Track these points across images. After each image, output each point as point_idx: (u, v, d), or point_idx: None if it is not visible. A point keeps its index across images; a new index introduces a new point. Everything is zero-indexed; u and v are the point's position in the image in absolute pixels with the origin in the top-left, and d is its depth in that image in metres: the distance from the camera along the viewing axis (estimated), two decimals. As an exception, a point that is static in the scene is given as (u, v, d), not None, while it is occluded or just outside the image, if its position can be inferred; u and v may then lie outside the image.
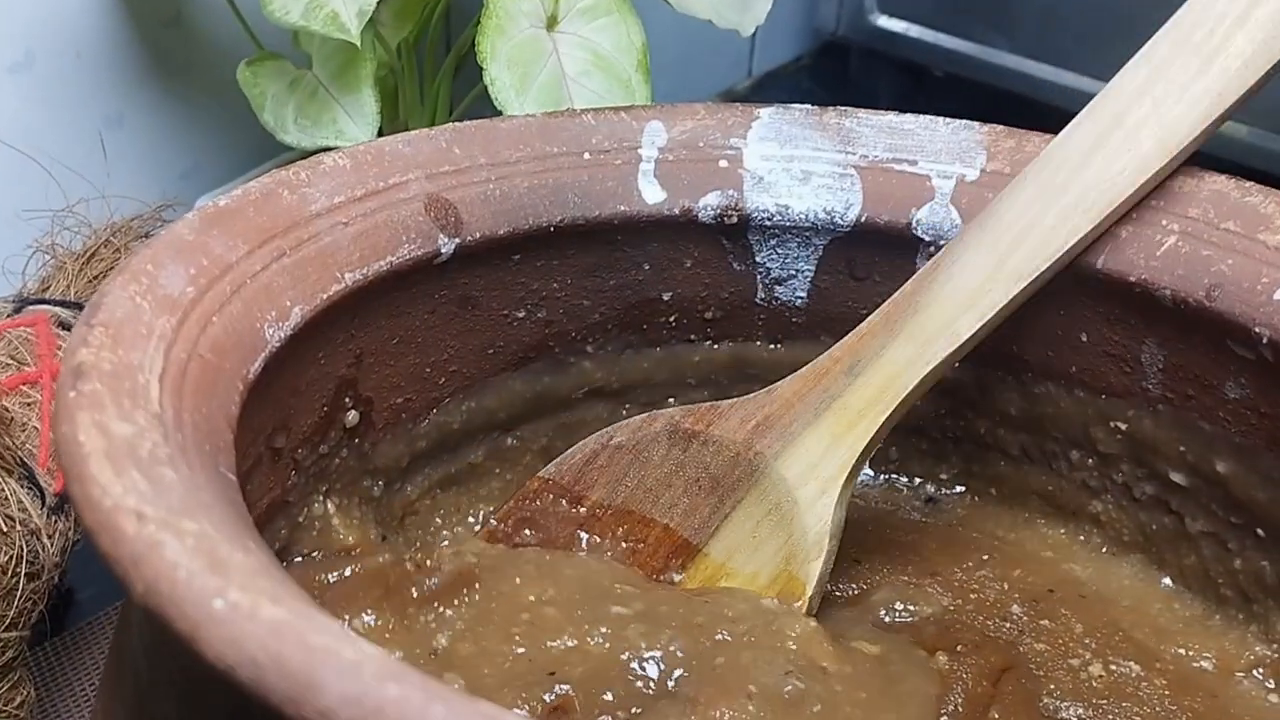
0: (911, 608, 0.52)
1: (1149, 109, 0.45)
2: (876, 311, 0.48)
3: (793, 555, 0.48)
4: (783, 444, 0.48)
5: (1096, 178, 0.46)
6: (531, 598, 0.45)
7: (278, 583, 0.28)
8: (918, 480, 0.58)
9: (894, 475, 0.58)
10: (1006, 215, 0.46)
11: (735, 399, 0.50)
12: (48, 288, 0.62)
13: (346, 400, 0.48)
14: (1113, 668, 0.49)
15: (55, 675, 0.59)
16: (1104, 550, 0.54)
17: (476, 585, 0.45)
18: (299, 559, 0.47)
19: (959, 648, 0.49)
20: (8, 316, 0.59)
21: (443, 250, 0.48)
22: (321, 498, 0.48)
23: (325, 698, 0.25)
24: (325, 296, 0.44)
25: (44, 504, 0.53)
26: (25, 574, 0.51)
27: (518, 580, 0.46)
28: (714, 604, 0.46)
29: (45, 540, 0.53)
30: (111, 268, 0.62)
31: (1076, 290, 0.48)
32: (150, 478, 0.30)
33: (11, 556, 0.50)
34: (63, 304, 0.60)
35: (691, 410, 0.50)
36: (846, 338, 0.48)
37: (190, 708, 0.32)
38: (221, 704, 0.30)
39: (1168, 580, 0.52)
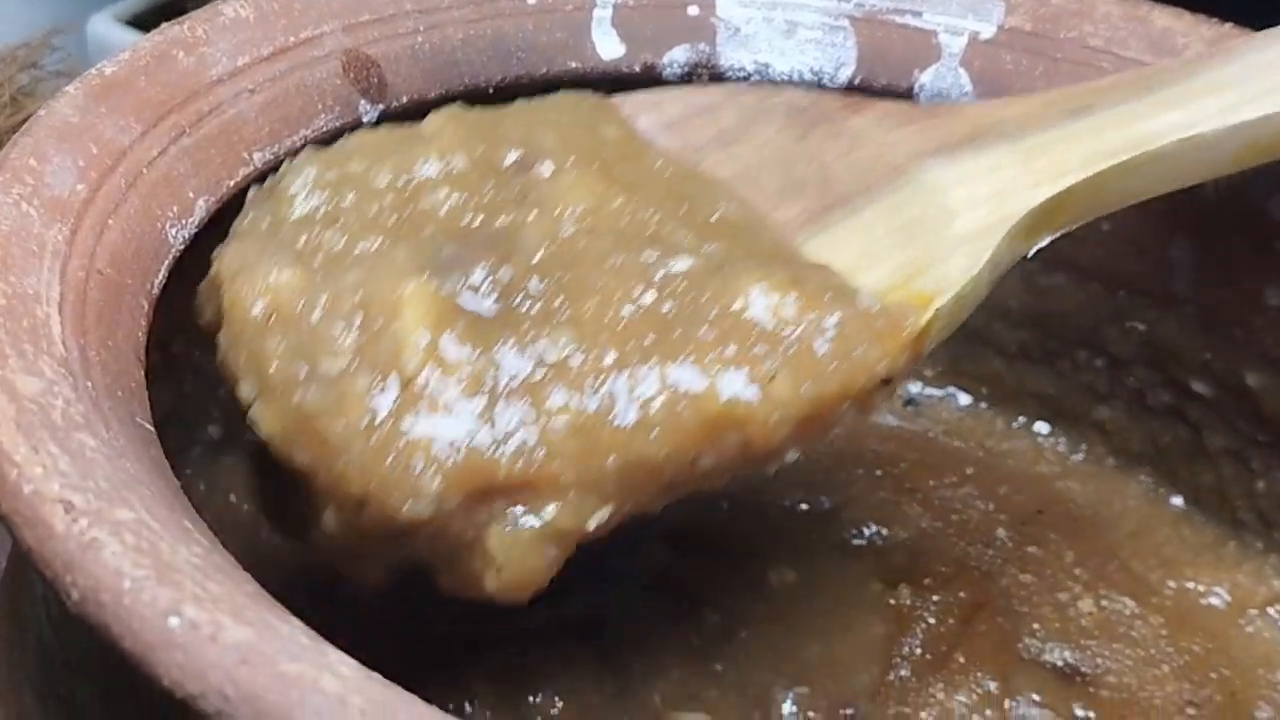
0: (884, 531, 0.54)
1: None
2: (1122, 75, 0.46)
3: (919, 271, 0.43)
4: (951, 158, 0.44)
5: None
6: None
7: (233, 585, 0.29)
8: (895, 379, 0.59)
9: (869, 373, 0.59)
10: None
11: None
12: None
13: (249, 294, 0.48)
14: (1104, 604, 0.52)
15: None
16: (1108, 464, 0.56)
17: None
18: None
19: (926, 580, 0.51)
20: None
21: (365, 119, 0.47)
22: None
23: (308, 742, 0.25)
24: (232, 183, 0.44)
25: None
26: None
27: None
28: None
29: None
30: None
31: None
32: (70, 450, 0.31)
33: None
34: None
35: (824, 94, 0.47)
36: (1062, 89, 0.46)
37: (117, 704, 0.32)
38: (159, 704, 0.31)
39: (1178, 501, 0.54)
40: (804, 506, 0.56)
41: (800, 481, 0.56)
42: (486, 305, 0.38)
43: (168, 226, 0.41)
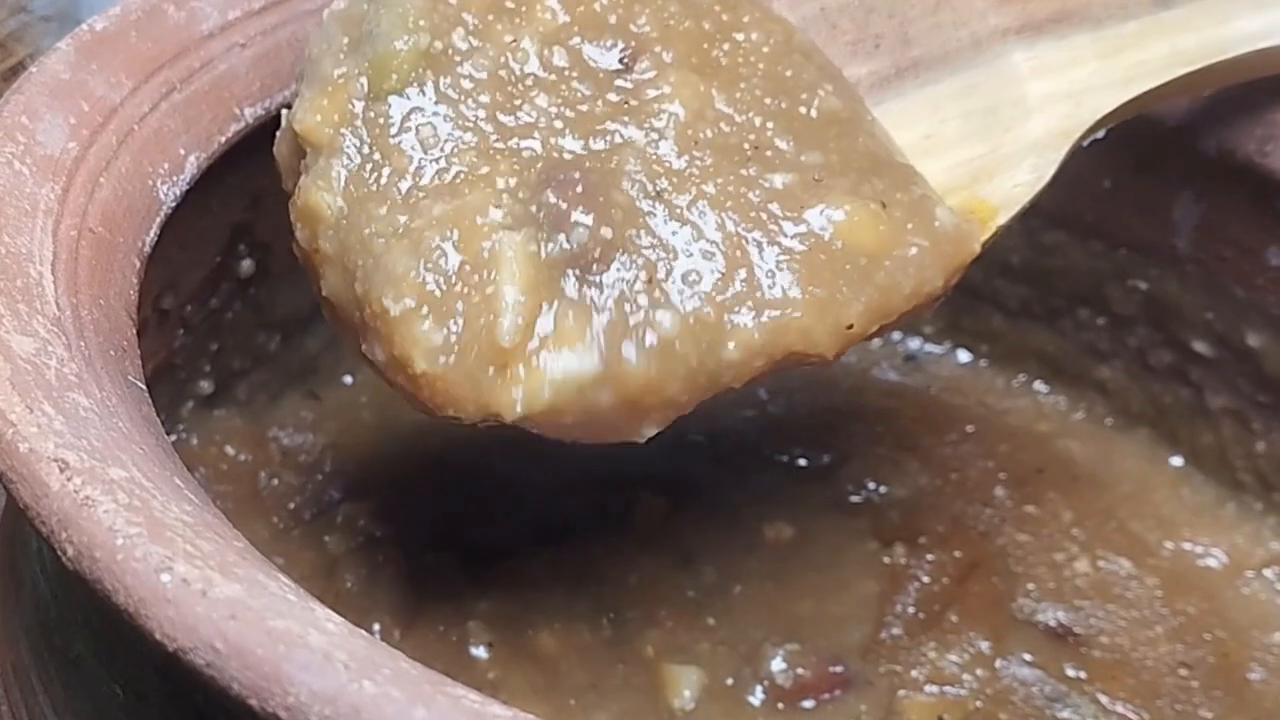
0: (882, 488, 0.56)
1: None
2: None
3: (985, 173, 0.44)
4: (1033, 42, 0.45)
5: None
6: None
7: (223, 542, 0.31)
8: (896, 335, 0.61)
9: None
10: None
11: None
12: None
13: (241, 248, 0.51)
14: (1101, 564, 0.54)
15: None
16: (1107, 423, 0.58)
17: None
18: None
19: (922, 539, 0.54)
20: None
21: (356, 73, 0.49)
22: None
23: (294, 694, 0.28)
24: (223, 140, 0.46)
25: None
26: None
27: None
28: None
29: None
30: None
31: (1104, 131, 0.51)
32: (64, 410, 0.33)
33: None
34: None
35: None
36: None
37: (112, 655, 0.35)
38: (151, 656, 0.33)
39: (1178, 460, 0.57)
40: (803, 462, 0.58)
41: (800, 437, 0.58)
42: (586, 264, 0.40)
43: (159, 184, 0.43)
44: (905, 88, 0.45)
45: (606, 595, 0.52)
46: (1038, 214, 0.53)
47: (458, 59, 0.41)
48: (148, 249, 0.42)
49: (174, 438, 0.52)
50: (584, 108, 0.41)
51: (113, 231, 0.40)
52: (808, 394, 0.59)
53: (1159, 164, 0.50)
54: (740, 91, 0.42)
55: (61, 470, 0.31)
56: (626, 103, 0.42)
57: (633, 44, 0.42)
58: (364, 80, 0.40)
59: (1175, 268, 0.52)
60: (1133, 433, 0.57)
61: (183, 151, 0.44)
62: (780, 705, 0.49)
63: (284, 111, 0.42)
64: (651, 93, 0.42)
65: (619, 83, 0.42)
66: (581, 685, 0.49)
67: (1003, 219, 0.42)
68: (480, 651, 0.50)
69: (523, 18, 0.42)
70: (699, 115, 0.42)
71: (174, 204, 0.43)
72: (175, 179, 0.44)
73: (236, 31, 0.47)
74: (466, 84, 0.41)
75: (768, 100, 0.43)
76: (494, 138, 0.41)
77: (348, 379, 0.57)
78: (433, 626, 0.50)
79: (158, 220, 0.42)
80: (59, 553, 0.30)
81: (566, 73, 0.42)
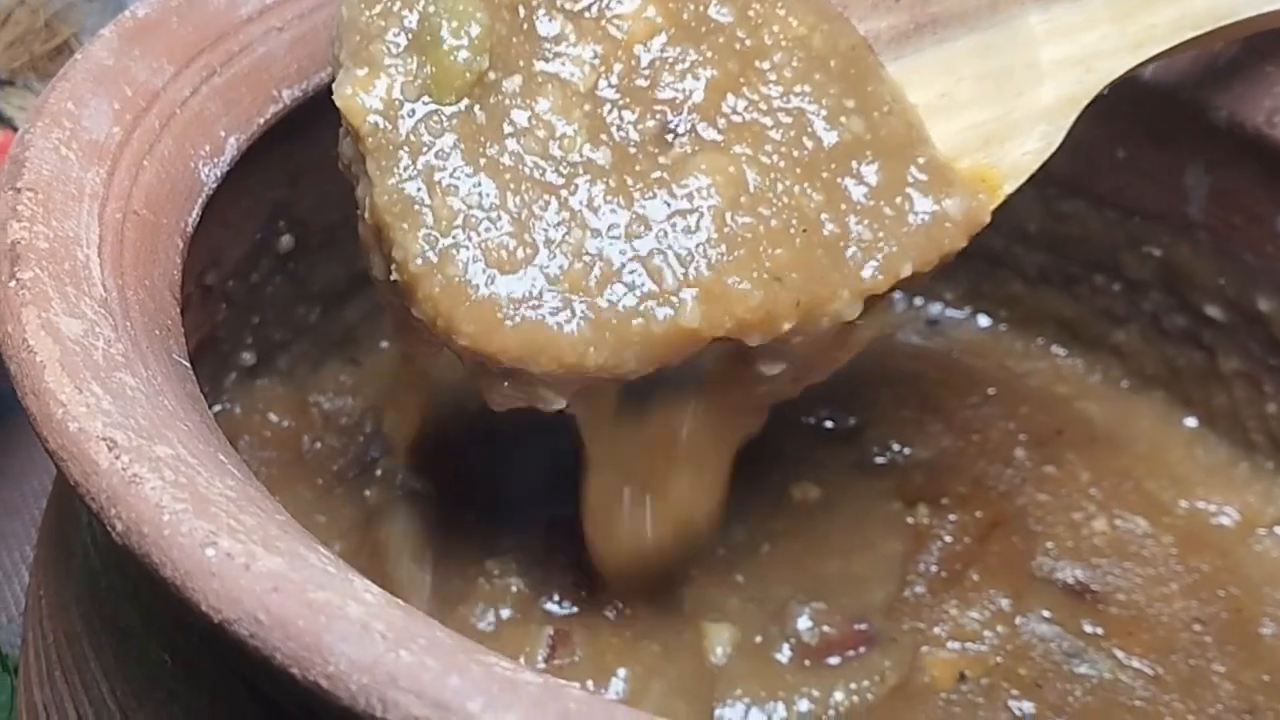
0: (906, 450, 0.56)
1: None
2: None
3: (996, 138, 0.44)
4: (1048, 4, 0.44)
5: None
6: None
7: (265, 516, 0.31)
8: (919, 299, 0.61)
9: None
10: None
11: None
12: (-43, 57, 0.63)
13: (280, 224, 0.51)
14: (1118, 523, 0.54)
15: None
16: (1123, 385, 0.58)
17: None
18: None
19: (944, 500, 0.54)
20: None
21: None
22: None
23: (333, 663, 0.28)
24: (262, 121, 0.46)
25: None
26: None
27: None
28: None
29: None
30: (30, 33, 0.63)
31: (1117, 101, 0.51)
32: (111, 389, 0.33)
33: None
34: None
35: None
36: None
37: (159, 625, 0.35)
38: (197, 626, 0.34)
39: (1192, 421, 0.57)
40: (830, 424, 0.58)
41: (827, 399, 0.59)
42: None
43: (200, 165, 0.43)
44: (923, 44, 0.44)
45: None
46: (1054, 183, 0.54)
47: (505, 100, 0.41)
48: (190, 229, 0.42)
49: (219, 408, 0.53)
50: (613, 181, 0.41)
51: (156, 213, 0.41)
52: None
53: (1170, 135, 0.50)
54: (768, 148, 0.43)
55: (110, 449, 0.32)
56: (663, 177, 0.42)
57: (669, 111, 0.42)
58: (419, 84, 0.40)
59: (1187, 235, 0.53)
60: (1148, 395, 0.58)
61: (223, 133, 0.45)
62: (807, 662, 0.49)
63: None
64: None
65: (661, 159, 0.42)
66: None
67: (1011, 187, 0.43)
68: (512, 587, 0.51)
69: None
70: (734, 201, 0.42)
71: (215, 185, 0.44)
72: (216, 160, 0.44)
73: (274, 15, 0.47)
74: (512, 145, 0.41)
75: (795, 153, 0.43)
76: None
77: (385, 344, 0.58)
78: (465, 578, 0.51)
79: (199, 201, 0.43)
80: (108, 528, 0.31)
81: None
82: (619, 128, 0.41)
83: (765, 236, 0.41)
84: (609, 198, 0.40)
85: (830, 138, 0.42)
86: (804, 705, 0.48)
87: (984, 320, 0.61)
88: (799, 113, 0.42)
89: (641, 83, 0.42)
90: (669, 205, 0.40)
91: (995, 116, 0.44)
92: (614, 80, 0.42)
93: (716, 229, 0.40)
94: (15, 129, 0.59)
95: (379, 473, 0.54)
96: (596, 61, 0.41)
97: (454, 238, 0.39)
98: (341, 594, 0.29)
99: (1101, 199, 0.54)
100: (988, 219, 0.42)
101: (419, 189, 0.39)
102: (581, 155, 0.40)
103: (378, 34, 0.40)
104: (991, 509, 0.54)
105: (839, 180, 0.41)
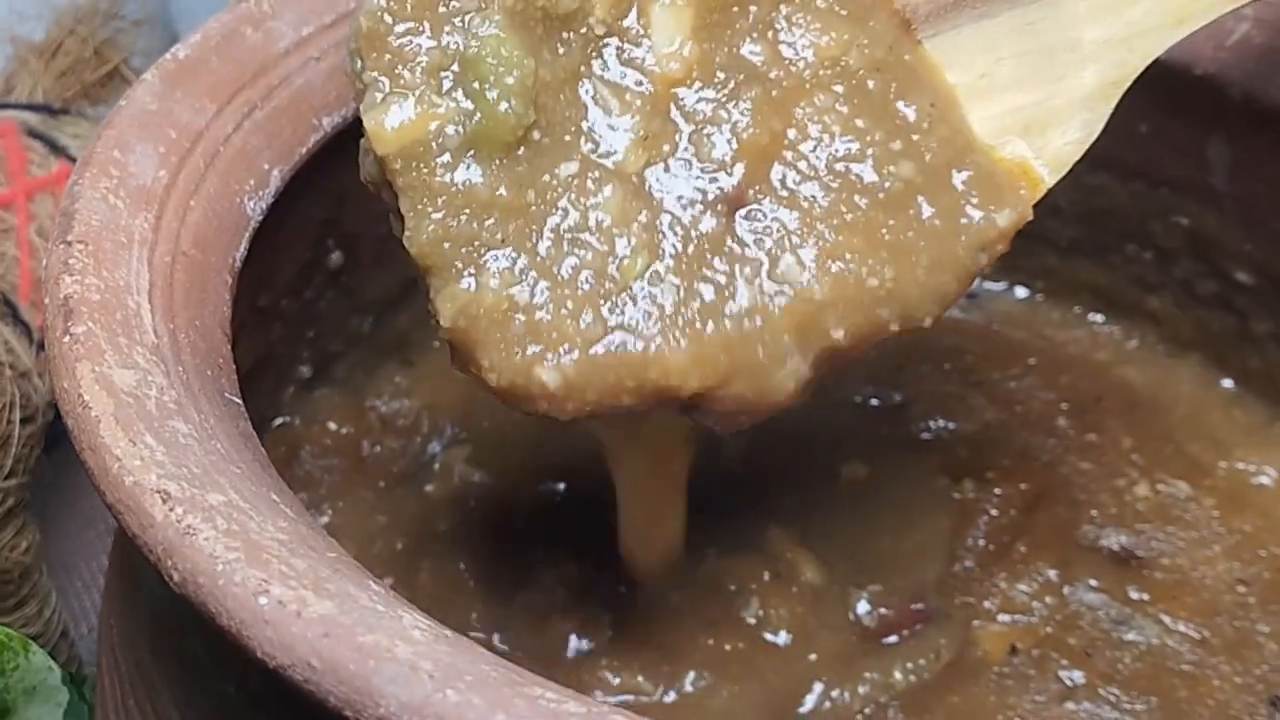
0: (951, 425, 0.56)
1: None
2: None
3: (1037, 125, 0.43)
4: None
5: None
6: None
7: (317, 556, 0.32)
8: (957, 274, 0.61)
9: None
10: None
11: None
12: (12, 88, 0.63)
13: (329, 243, 0.52)
14: (1160, 488, 0.54)
15: (59, 511, 0.63)
16: (1160, 350, 0.58)
17: None
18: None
19: (990, 473, 0.54)
20: (-28, 127, 0.61)
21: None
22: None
23: (384, 705, 0.29)
24: (304, 151, 0.46)
25: (31, 341, 0.56)
26: (20, 419, 0.55)
27: None
28: None
29: (36, 380, 0.56)
30: (80, 62, 0.64)
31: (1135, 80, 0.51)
32: (165, 439, 0.34)
33: (3, 404, 0.53)
34: (30, 108, 0.62)
35: None
36: None
37: (223, 658, 0.36)
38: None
39: (1229, 383, 0.57)
40: (875, 402, 0.58)
41: (872, 377, 0.59)
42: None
43: (245, 200, 0.44)
44: (963, 19, 0.43)
45: (697, 537, 0.52)
46: (1082, 158, 0.53)
47: (555, 185, 0.39)
48: (238, 264, 0.43)
49: (279, 421, 0.54)
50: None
51: (204, 252, 0.41)
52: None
53: (1190, 110, 0.50)
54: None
55: (164, 501, 0.32)
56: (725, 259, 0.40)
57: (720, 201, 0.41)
58: (463, 134, 0.38)
59: (1213, 204, 0.53)
60: (1185, 358, 0.57)
61: (266, 166, 0.45)
62: (866, 644, 0.50)
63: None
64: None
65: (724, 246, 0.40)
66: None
67: (1054, 180, 0.42)
68: (566, 564, 0.51)
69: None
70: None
71: (261, 218, 0.44)
72: (261, 193, 0.44)
73: (311, 46, 0.48)
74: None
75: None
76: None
77: (438, 344, 0.58)
78: (520, 567, 0.52)
79: (246, 235, 0.43)
80: (165, 578, 0.32)
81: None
82: (675, 232, 0.40)
83: (835, 289, 0.40)
84: (666, 291, 0.39)
85: (884, 192, 0.41)
86: (864, 689, 0.48)
87: (1021, 291, 0.61)
88: (845, 173, 0.41)
89: (686, 154, 0.40)
90: (730, 280, 0.40)
91: (1036, 101, 0.43)
92: (662, 161, 0.40)
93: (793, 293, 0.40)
94: (72, 158, 0.60)
95: (437, 467, 0.55)
96: (640, 132, 0.40)
97: (495, 311, 0.38)
98: (390, 634, 0.30)
99: (1128, 171, 0.54)
100: (1030, 216, 0.41)
101: (459, 261, 0.38)
102: (638, 269, 0.39)
103: (411, 58, 0.38)
104: (1036, 480, 0.54)
105: (903, 234, 0.41)
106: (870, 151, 0.41)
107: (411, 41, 0.38)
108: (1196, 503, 0.53)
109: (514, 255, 0.38)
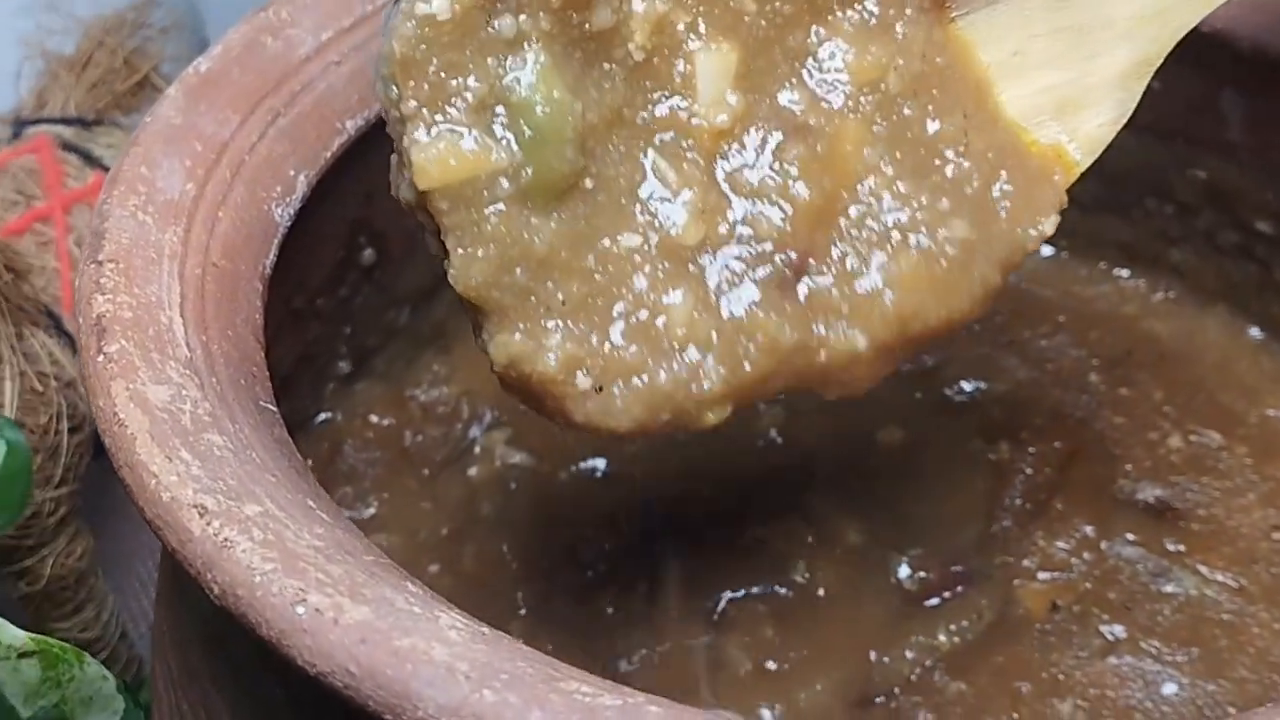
0: (984, 385, 0.56)
1: None
2: None
3: (1070, 104, 0.42)
4: None
5: None
6: None
7: (353, 561, 0.32)
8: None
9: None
10: None
11: None
12: (45, 103, 0.64)
13: (361, 240, 0.52)
14: (1193, 438, 0.54)
15: (112, 515, 0.63)
16: (1187, 302, 0.57)
17: None
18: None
19: (1024, 433, 0.54)
20: (7, 143, 0.61)
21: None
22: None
23: (422, 708, 0.29)
24: (329, 155, 0.46)
25: (75, 351, 0.56)
26: (68, 429, 0.55)
27: None
28: None
29: (82, 390, 0.56)
30: (110, 73, 0.64)
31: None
32: (200, 453, 0.34)
33: (51, 415, 0.54)
34: (64, 121, 0.62)
35: None
36: None
37: (269, 662, 0.36)
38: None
39: (1256, 332, 0.56)
40: (908, 366, 0.58)
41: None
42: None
43: (273, 207, 0.44)
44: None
45: (739, 504, 0.52)
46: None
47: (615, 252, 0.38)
48: (268, 271, 0.43)
49: (322, 417, 0.54)
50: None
51: (234, 261, 0.41)
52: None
53: (1200, 65, 0.49)
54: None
55: (201, 515, 0.32)
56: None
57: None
58: (517, 185, 0.37)
59: (1230, 156, 0.52)
60: (1211, 309, 0.57)
61: (292, 172, 0.45)
62: (909, 608, 0.50)
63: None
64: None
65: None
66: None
67: (1088, 163, 0.42)
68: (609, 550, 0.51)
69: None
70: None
71: (289, 223, 0.44)
72: (288, 200, 0.44)
73: (331, 50, 0.47)
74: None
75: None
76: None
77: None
78: (562, 545, 0.52)
79: (275, 241, 0.43)
80: (206, 591, 0.32)
81: None
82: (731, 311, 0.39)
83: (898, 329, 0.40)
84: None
85: (943, 258, 0.40)
86: (910, 653, 0.48)
87: (1047, 250, 0.60)
88: (902, 240, 0.40)
89: (744, 234, 0.39)
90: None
91: (1069, 80, 0.42)
92: (720, 247, 0.39)
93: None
94: (106, 168, 0.60)
95: (478, 451, 0.55)
96: (697, 206, 0.39)
97: (554, 378, 0.37)
98: (426, 637, 0.30)
99: (1144, 128, 0.52)
100: (1065, 203, 0.41)
101: (513, 312, 0.37)
102: (710, 383, 0.39)
103: (455, 92, 0.36)
104: (1070, 437, 0.53)
105: (959, 275, 0.41)
106: (921, 217, 0.40)
107: (453, 73, 0.36)
108: (1229, 451, 0.53)
109: (577, 334, 0.37)
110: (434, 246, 0.38)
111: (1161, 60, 0.42)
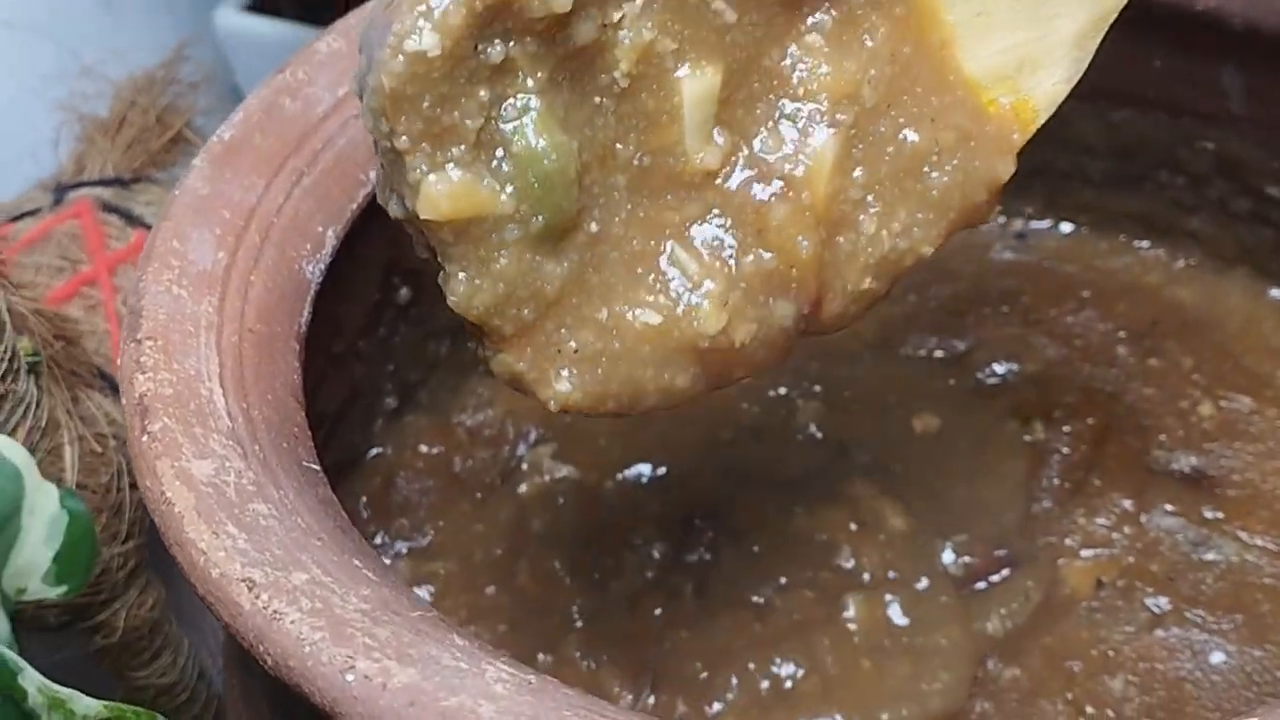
0: (1015, 367, 0.56)
1: None
2: None
3: (1030, 63, 0.42)
4: None
5: None
6: None
7: (400, 620, 0.32)
8: (1003, 218, 0.61)
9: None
10: None
11: None
12: (83, 167, 0.64)
13: (395, 280, 0.52)
14: (1223, 404, 0.53)
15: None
16: (1208, 268, 0.57)
17: None
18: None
19: (1057, 412, 0.54)
20: (50, 209, 0.62)
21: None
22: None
23: (473, 767, 0.29)
24: (355, 207, 0.46)
25: (130, 411, 0.57)
26: (129, 485, 0.55)
27: None
28: None
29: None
30: (144, 132, 0.65)
31: (1140, 20, 0.49)
32: (245, 524, 0.34)
33: (111, 473, 0.54)
34: (103, 183, 0.63)
35: None
36: None
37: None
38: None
39: (1276, 292, 0.56)
40: (939, 353, 0.58)
41: (934, 329, 0.58)
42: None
43: (304, 265, 0.44)
44: None
45: (782, 498, 0.52)
46: (1103, 96, 0.53)
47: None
48: (304, 329, 0.43)
49: (373, 453, 0.54)
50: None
51: (270, 324, 0.42)
52: (934, 288, 0.59)
53: (1198, 43, 0.49)
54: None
55: (250, 589, 0.33)
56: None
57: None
58: (520, 230, 0.35)
59: (1234, 128, 0.52)
60: (1232, 274, 0.57)
61: (320, 229, 0.45)
62: (956, 594, 0.50)
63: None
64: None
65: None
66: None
67: (1043, 119, 0.41)
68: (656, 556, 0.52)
69: None
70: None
71: (320, 279, 0.44)
72: (318, 256, 0.45)
73: (348, 105, 0.47)
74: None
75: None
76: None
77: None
78: (612, 553, 0.52)
79: (308, 299, 0.43)
80: (260, 662, 0.32)
81: None
82: None
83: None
84: None
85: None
86: (961, 638, 0.48)
87: (1066, 226, 0.60)
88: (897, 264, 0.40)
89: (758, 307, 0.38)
90: None
91: (1030, 39, 0.41)
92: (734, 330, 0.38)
93: None
94: (147, 226, 0.60)
95: (525, 468, 0.55)
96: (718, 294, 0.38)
97: (554, 384, 0.37)
98: (474, 694, 0.30)
99: (1149, 105, 0.53)
100: (1015, 165, 0.40)
101: (520, 339, 0.36)
102: None
103: (448, 127, 0.34)
104: (1102, 413, 0.53)
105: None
106: (908, 245, 0.40)
107: (446, 106, 0.34)
108: (1260, 415, 0.53)
109: (586, 380, 0.37)
110: (423, 252, 0.36)
111: (1113, 19, 0.41)
